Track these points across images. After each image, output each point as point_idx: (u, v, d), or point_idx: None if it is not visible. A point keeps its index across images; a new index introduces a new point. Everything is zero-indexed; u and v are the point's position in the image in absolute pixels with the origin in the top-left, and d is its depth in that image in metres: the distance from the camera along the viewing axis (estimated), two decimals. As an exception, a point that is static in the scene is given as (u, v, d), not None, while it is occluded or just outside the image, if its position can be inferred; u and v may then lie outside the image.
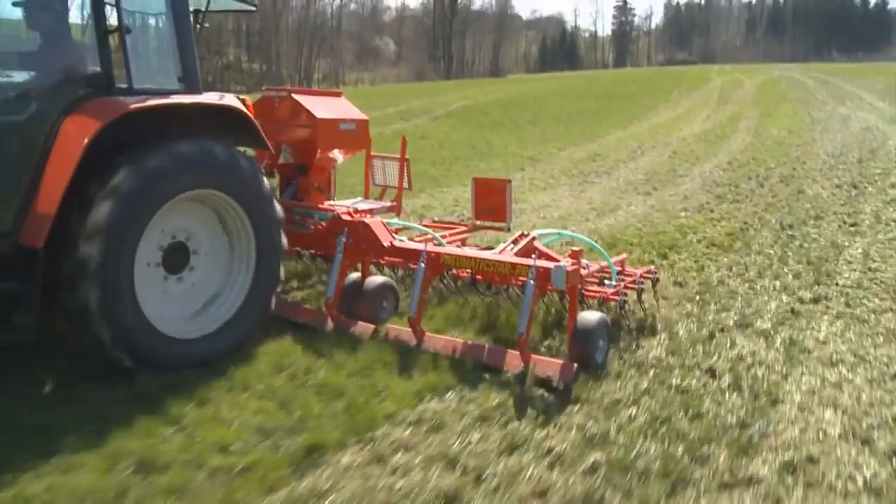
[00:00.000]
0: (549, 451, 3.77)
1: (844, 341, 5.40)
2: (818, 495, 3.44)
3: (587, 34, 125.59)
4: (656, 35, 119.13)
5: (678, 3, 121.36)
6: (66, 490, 3.30)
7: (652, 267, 6.53)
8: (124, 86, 4.74)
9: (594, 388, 4.49)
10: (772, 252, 7.97)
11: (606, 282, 5.73)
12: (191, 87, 5.11)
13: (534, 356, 4.74)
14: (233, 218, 5.09)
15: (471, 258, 5.35)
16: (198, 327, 4.93)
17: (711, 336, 5.43)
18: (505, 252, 5.56)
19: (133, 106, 4.58)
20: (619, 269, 6.07)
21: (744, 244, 8.34)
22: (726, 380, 4.67)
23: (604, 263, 5.89)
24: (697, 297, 6.36)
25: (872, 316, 5.93)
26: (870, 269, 7.26)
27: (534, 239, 5.78)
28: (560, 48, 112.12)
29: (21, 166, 4.38)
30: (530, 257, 5.11)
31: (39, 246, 4.26)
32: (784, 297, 6.38)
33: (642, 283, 5.88)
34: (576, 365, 4.62)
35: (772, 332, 5.53)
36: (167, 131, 4.78)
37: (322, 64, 72.18)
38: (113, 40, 4.74)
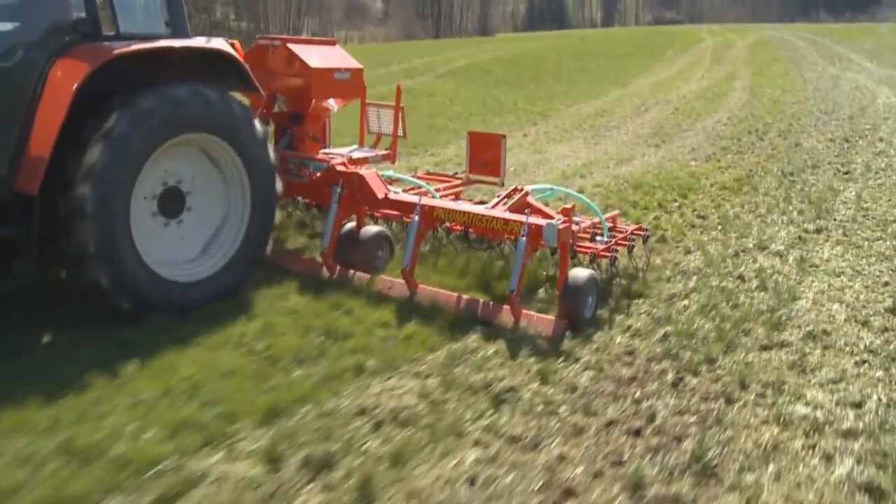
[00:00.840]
0: (629, 327, 4.99)
1: (844, 260, 6.60)
2: (832, 352, 4.68)
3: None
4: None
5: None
6: (282, 347, 4.45)
7: (643, 224, 6.76)
8: (111, 32, 4.75)
9: (652, 287, 5.69)
10: (777, 194, 9.14)
11: (598, 238, 5.77)
12: (179, 32, 5.06)
13: (525, 312, 4.89)
14: (227, 162, 5.10)
15: (465, 213, 5.37)
16: (196, 271, 5.01)
17: (737, 254, 6.63)
18: (498, 207, 5.57)
19: (120, 50, 4.53)
20: (611, 225, 6.11)
21: (751, 188, 9.49)
22: (754, 283, 5.88)
23: (595, 219, 5.97)
24: (719, 227, 7.54)
25: (866, 243, 7.13)
26: (863, 209, 8.45)
27: (526, 194, 5.75)
28: (548, 6, 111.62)
29: (11, 114, 4.40)
30: (523, 213, 5.15)
31: (34, 193, 4.28)
32: (791, 228, 7.57)
33: (633, 239, 5.98)
34: (566, 321, 4.78)
35: (785, 253, 6.73)
36: (157, 76, 4.75)
37: (310, 22, 72.02)
38: None
